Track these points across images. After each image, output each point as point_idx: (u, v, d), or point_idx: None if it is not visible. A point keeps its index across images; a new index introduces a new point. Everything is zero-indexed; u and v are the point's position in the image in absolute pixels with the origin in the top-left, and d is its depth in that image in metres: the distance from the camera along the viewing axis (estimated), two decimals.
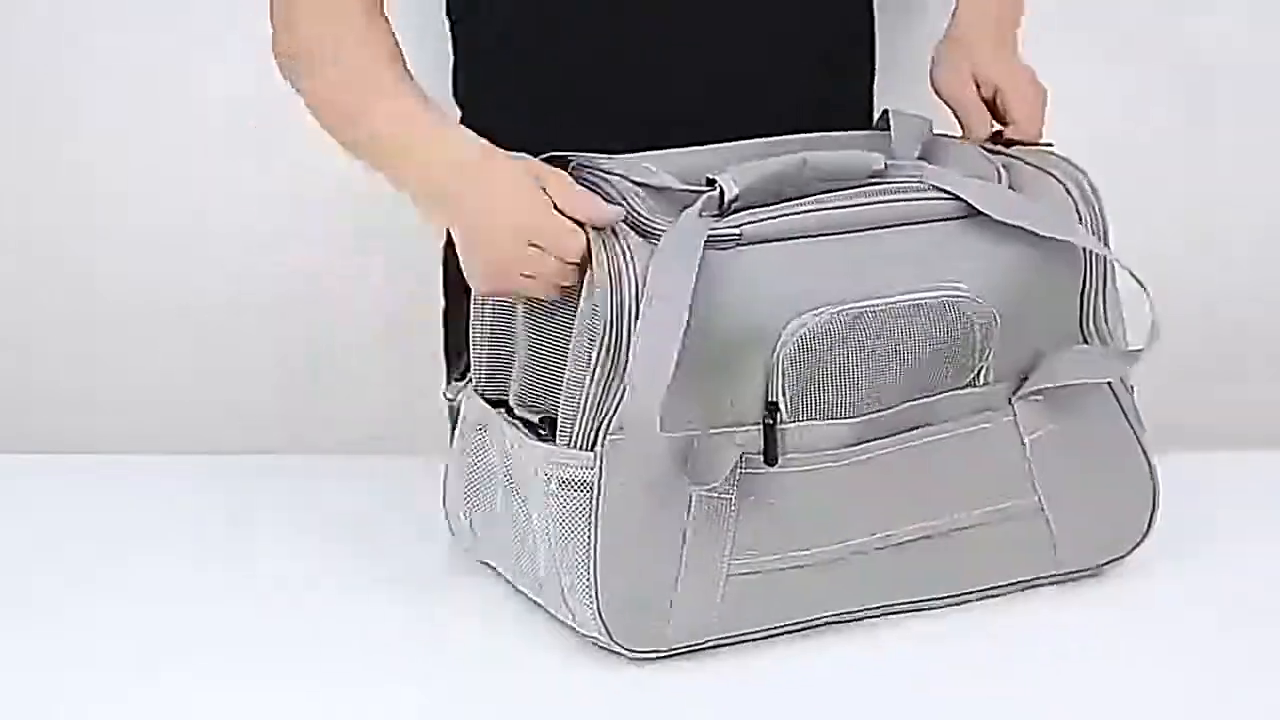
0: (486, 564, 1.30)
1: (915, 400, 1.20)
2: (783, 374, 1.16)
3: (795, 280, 1.17)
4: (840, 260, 1.18)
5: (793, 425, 1.17)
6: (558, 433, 1.18)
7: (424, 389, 1.60)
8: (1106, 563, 1.30)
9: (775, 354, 1.16)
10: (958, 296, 1.19)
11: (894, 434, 1.20)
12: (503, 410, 1.25)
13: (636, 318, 1.13)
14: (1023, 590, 1.27)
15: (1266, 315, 1.89)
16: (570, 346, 1.16)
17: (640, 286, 1.13)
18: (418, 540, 1.36)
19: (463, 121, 1.47)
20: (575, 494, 1.16)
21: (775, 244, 1.18)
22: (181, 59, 1.79)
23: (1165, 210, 1.86)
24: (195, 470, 1.51)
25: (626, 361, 1.13)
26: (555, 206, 1.17)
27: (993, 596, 1.26)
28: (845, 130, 1.31)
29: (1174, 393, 1.89)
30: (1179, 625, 1.26)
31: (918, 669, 1.19)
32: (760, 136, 1.26)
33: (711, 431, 1.16)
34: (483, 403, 1.27)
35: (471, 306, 1.27)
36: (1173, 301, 1.89)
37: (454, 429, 1.36)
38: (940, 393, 1.21)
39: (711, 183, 1.18)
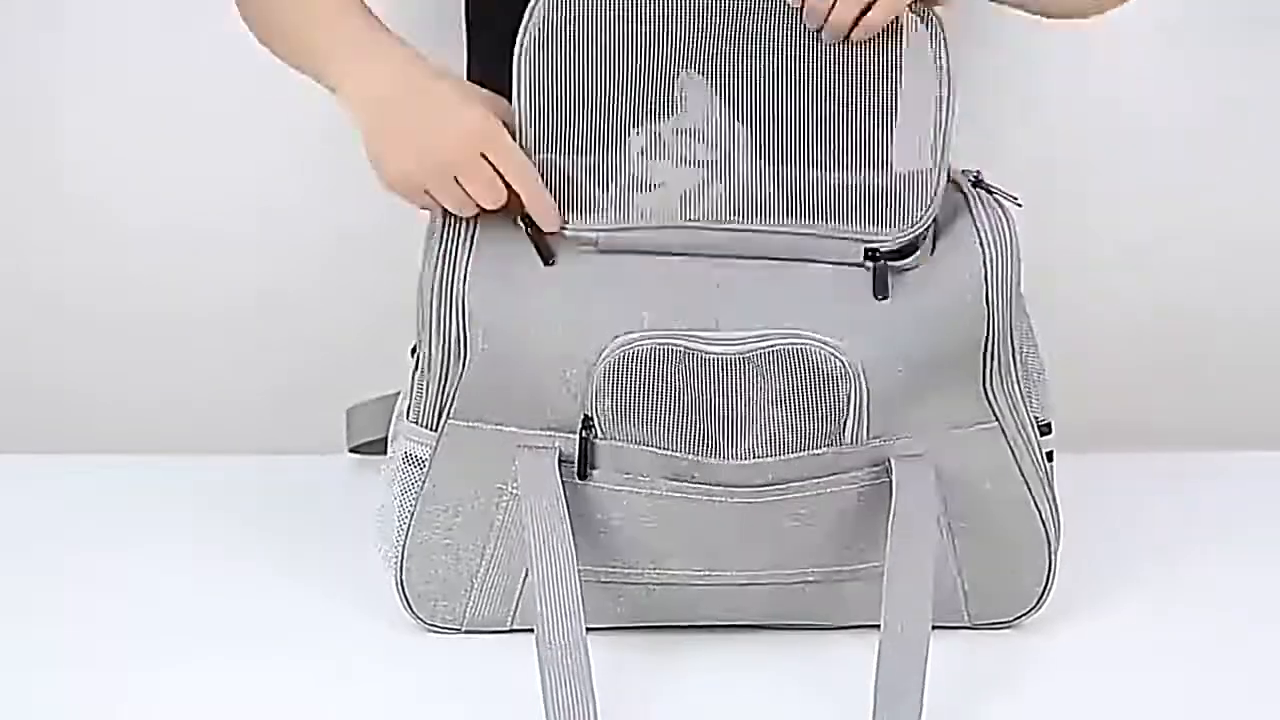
0: None
1: (762, 457, 1.16)
2: (599, 391, 1.16)
3: (634, 297, 1.16)
4: (697, 286, 1.17)
5: (608, 442, 1.18)
6: (409, 409, 1.22)
7: None
8: (985, 625, 1.24)
9: (595, 369, 1.16)
10: (808, 347, 1.15)
11: (731, 476, 1.17)
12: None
13: (464, 311, 1.17)
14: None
15: (1266, 315, 1.89)
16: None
17: (464, 285, 1.17)
18: None
19: None
20: (413, 469, 1.21)
21: (630, 255, 1.18)
22: (173, 65, 1.80)
23: (1165, 210, 1.86)
24: (195, 470, 1.51)
25: (459, 350, 1.17)
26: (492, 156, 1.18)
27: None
28: None
29: (1173, 393, 1.89)
30: (1178, 625, 1.26)
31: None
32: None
33: (536, 430, 1.18)
34: None
35: None
36: (1173, 302, 1.90)
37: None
38: (798, 450, 1.17)
39: None
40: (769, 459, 1.17)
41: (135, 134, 1.83)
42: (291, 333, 1.86)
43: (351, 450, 1.54)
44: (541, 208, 1.19)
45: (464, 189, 1.18)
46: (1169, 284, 1.89)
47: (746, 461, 1.17)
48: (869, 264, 1.18)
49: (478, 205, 1.19)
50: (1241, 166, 1.85)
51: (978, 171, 1.25)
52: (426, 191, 1.19)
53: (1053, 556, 1.22)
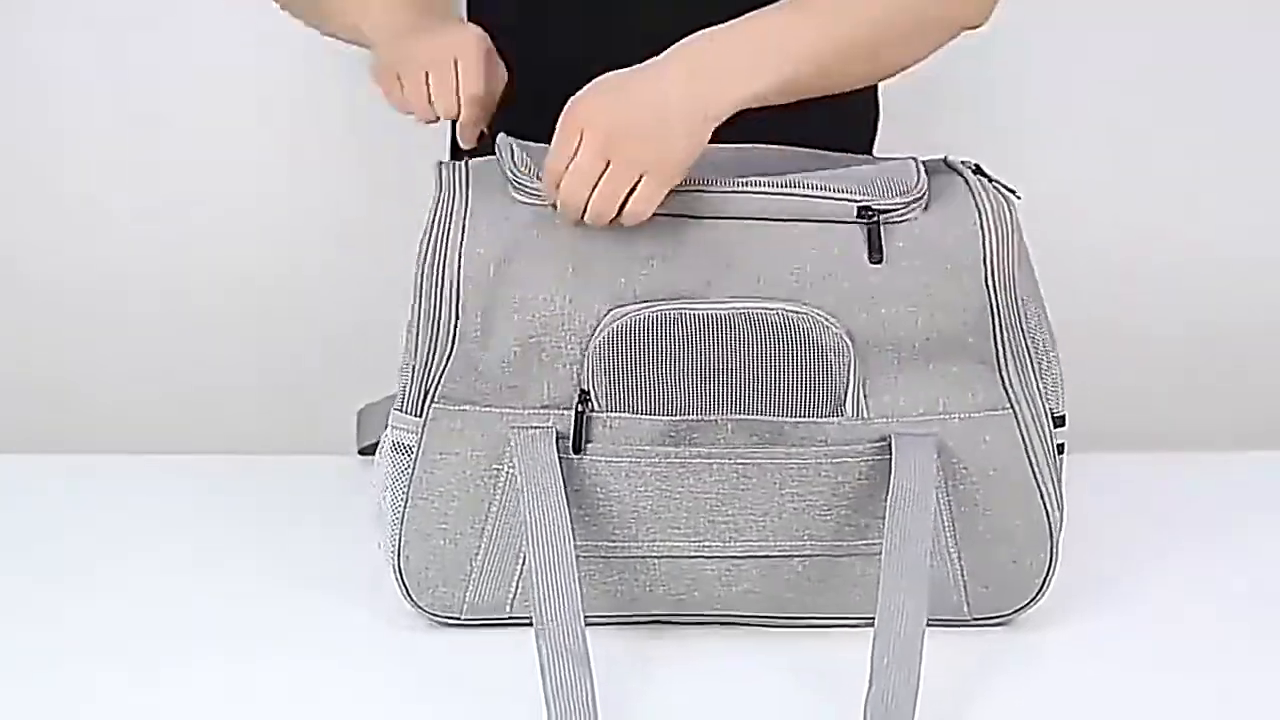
0: None
1: (757, 417, 1.17)
2: (594, 365, 1.17)
3: (617, 269, 1.17)
4: (689, 251, 1.17)
5: (603, 415, 1.18)
6: (397, 398, 1.22)
7: None
8: (988, 618, 1.23)
9: (588, 345, 1.16)
10: (802, 315, 1.16)
11: (729, 447, 1.18)
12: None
13: (458, 289, 1.16)
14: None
15: (1265, 315, 1.89)
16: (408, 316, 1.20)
17: (459, 262, 1.17)
18: None
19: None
20: (401, 457, 1.21)
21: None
22: (173, 65, 1.80)
23: (1164, 211, 1.86)
24: (195, 470, 1.51)
25: (449, 330, 1.17)
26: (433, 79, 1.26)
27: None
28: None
29: (1173, 393, 1.90)
30: (1178, 625, 1.26)
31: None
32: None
33: (528, 410, 1.18)
34: None
35: None
36: (1173, 302, 1.91)
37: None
38: (797, 414, 1.18)
39: None
40: (766, 418, 1.17)
41: (135, 133, 1.83)
42: (296, 333, 1.86)
43: (361, 452, 1.53)
44: (464, 127, 1.27)
45: (429, 87, 1.26)
46: (1171, 285, 1.90)
47: (744, 418, 1.17)
48: (864, 221, 1.18)
49: (430, 107, 1.27)
50: (1247, 168, 1.85)
51: (976, 163, 1.25)
52: (397, 77, 1.27)
53: (1055, 547, 1.22)
